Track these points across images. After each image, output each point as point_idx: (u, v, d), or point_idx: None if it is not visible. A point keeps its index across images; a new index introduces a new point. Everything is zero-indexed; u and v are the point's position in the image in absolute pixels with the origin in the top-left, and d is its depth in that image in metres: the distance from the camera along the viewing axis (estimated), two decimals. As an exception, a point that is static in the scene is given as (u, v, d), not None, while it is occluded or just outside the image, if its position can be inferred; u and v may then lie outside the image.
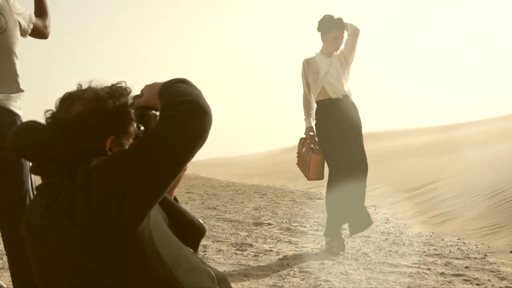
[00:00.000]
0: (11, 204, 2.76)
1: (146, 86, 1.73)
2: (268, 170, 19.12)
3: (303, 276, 4.00)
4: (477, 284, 3.67)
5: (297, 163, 5.23)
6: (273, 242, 5.52)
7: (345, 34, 4.95)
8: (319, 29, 5.00)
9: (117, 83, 1.63)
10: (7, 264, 4.25)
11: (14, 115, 2.78)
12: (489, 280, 3.78)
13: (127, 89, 1.63)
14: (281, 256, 4.76)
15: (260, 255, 4.84)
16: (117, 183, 1.41)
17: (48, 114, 1.59)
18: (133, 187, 1.41)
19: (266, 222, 7.00)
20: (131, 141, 1.62)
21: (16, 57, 2.84)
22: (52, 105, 1.60)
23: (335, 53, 5.00)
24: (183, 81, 1.60)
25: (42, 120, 1.61)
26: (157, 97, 1.62)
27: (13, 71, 2.82)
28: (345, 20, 4.94)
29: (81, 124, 1.53)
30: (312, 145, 5.01)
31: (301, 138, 5.15)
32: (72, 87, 1.61)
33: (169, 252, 1.52)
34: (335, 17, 4.95)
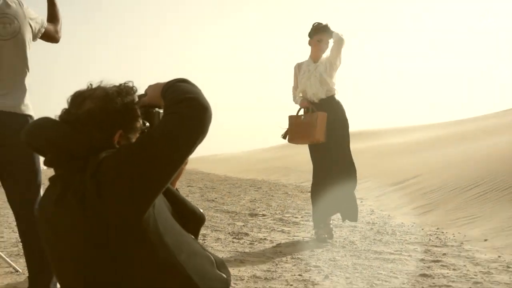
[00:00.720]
0: (25, 195, 2.78)
1: (150, 86, 1.75)
2: (263, 166, 19.12)
3: (294, 262, 4.03)
4: (454, 269, 3.71)
5: (292, 138, 5.07)
6: (267, 231, 5.55)
7: (331, 40, 5.02)
8: (308, 34, 5.08)
9: (125, 83, 1.66)
10: (22, 250, 4.28)
11: (27, 117, 2.79)
12: (464, 265, 3.82)
13: (134, 88, 1.66)
14: (274, 244, 4.79)
15: (255, 243, 4.87)
16: (124, 174, 1.44)
17: (61, 112, 1.61)
18: (139, 177, 1.43)
19: (261, 213, 7.03)
20: (137, 135, 1.65)
21: (26, 58, 2.85)
22: (58, 104, 1.64)
23: (322, 58, 5.06)
24: (184, 81, 1.63)
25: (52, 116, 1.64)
26: (160, 96, 1.64)
27: (24, 71, 2.83)
28: (332, 29, 5.00)
29: (91, 120, 1.55)
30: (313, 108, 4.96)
31: (291, 116, 5.12)
32: (80, 86, 1.65)
33: (172, 238, 1.54)
34: (323, 24, 5.03)
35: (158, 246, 1.49)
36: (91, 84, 1.64)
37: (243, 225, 5.97)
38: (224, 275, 1.71)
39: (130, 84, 1.65)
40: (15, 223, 2.93)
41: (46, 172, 3.02)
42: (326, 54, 5.07)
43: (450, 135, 16.45)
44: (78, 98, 1.59)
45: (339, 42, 4.94)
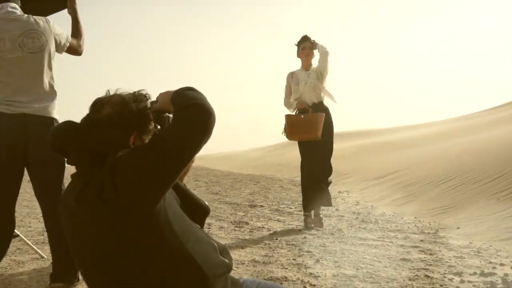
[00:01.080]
0: (52, 192, 2.77)
1: (161, 94, 1.74)
2: (261, 162, 19.10)
3: (289, 248, 4.01)
4: (430, 254, 3.69)
5: (292, 135, 4.97)
6: (265, 221, 5.52)
7: (315, 50, 5.05)
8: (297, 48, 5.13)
9: (139, 91, 1.65)
10: (47, 239, 4.26)
11: (53, 120, 2.79)
12: (439, 251, 3.80)
13: (147, 95, 1.65)
14: (271, 232, 4.76)
15: (254, 231, 4.85)
16: (138, 170, 1.42)
17: (84, 117, 1.61)
18: (151, 173, 1.42)
19: (259, 204, 7.01)
20: (150, 137, 1.64)
21: (51, 69, 2.84)
22: (75, 109, 1.62)
23: (312, 67, 5.05)
24: (191, 89, 1.62)
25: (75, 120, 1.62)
26: (170, 102, 1.64)
27: (49, 82, 2.82)
28: (318, 41, 5.06)
29: (110, 123, 1.54)
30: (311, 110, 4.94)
31: (286, 115, 5.06)
32: (100, 93, 1.64)
33: (181, 227, 1.52)
34: (303, 35, 5.13)
35: (168, 234, 1.48)
36: (108, 91, 1.63)
37: (244, 215, 5.94)
38: (226, 260, 1.70)
39: (144, 92, 1.65)
40: (41, 214, 2.91)
41: (69, 169, 3.01)
42: (315, 64, 5.07)
43: (426, 135, 16.45)
44: (98, 104, 1.58)
45: (325, 54, 5.00)
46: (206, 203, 1.78)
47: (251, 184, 10.89)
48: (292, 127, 5.01)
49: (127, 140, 1.57)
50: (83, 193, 1.49)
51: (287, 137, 5.09)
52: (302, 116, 4.95)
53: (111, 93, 1.63)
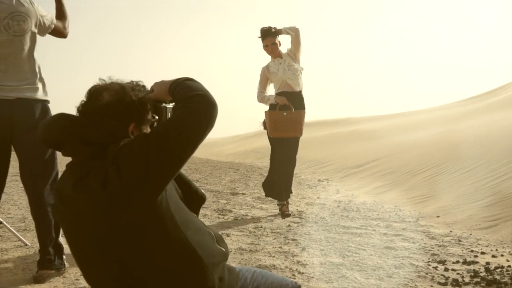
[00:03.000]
0: (40, 179, 2.72)
1: (156, 83, 1.72)
2: (240, 150, 19.10)
3: (274, 236, 4.03)
4: (413, 243, 3.76)
5: (275, 132, 4.94)
6: (248, 208, 5.54)
7: (277, 39, 4.96)
8: None
9: (136, 81, 1.63)
10: (28, 225, 4.19)
11: (43, 102, 2.74)
12: (422, 239, 3.88)
13: (144, 86, 1.63)
14: (255, 220, 4.79)
15: (238, 218, 4.86)
16: (141, 161, 1.41)
17: (79, 104, 1.57)
18: (155, 164, 1.40)
19: (241, 192, 7.02)
20: (148, 127, 1.62)
21: (35, 52, 2.79)
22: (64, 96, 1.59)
23: (283, 53, 5.02)
24: (190, 79, 1.61)
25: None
26: (166, 92, 1.62)
27: (34, 65, 2.77)
28: (282, 26, 4.97)
29: (110, 110, 1.51)
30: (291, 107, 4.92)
31: (267, 111, 5.01)
32: (86, 81, 1.60)
33: (181, 217, 1.52)
34: (267, 27, 4.94)
35: (170, 224, 1.48)
36: (103, 80, 1.59)
37: (226, 203, 5.94)
38: (223, 249, 1.71)
39: (141, 83, 1.63)
40: (20, 200, 2.87)
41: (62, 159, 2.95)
42: (284, 49, 5.04)
43: (403, 124, 16.67)
44: (95, 92, 1.54)
45: (296, 34, 4.92)
46: (202, 191, 1.79)
47: (231, 172, 10.88)
48: (274, 125, 4.98)
49: (126, 130, 1.54)
50: (82, 182, 1.46)
51: (269, 133, 5.06)
52: (285, 113, 4.94)
53: (108, 81, 1.60)
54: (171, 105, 1.68)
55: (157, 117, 1.67)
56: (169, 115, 1.67)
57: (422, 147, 9.38)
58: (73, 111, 1.57)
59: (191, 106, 1.46)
